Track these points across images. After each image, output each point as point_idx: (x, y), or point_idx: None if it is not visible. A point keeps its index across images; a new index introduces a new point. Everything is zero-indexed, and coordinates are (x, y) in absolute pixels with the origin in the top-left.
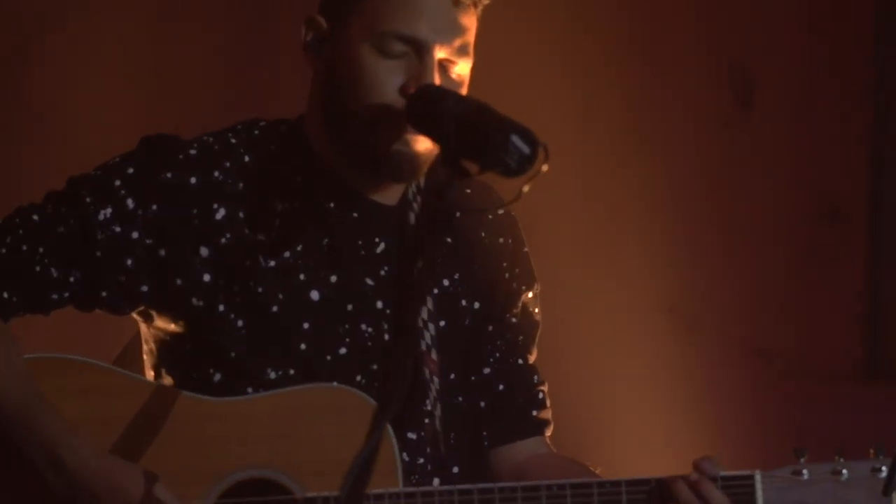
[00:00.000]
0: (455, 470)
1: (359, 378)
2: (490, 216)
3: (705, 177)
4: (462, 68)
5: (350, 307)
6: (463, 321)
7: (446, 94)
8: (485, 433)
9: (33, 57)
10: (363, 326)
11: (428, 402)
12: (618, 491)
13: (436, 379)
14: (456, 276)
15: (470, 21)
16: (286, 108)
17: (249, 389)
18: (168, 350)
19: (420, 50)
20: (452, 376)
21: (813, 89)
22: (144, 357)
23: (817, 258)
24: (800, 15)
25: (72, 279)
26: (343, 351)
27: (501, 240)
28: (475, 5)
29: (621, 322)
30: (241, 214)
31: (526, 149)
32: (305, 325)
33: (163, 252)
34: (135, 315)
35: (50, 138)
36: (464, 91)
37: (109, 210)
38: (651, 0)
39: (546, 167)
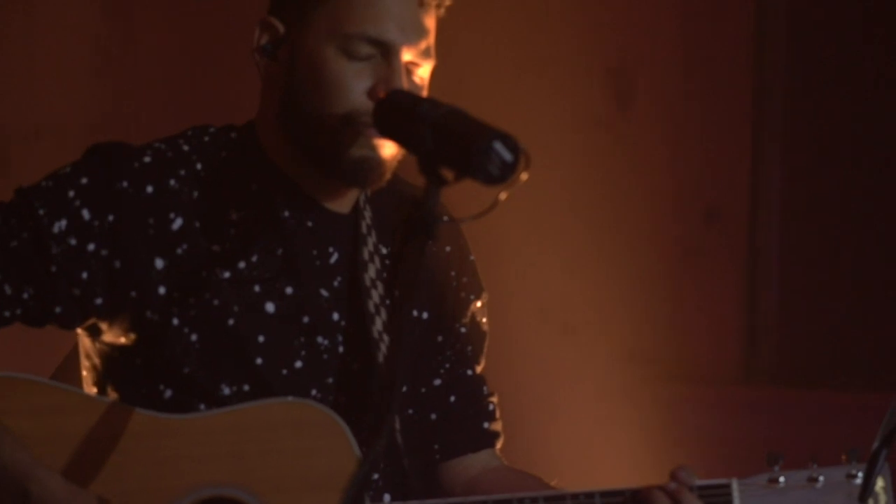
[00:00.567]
0: (406, 485)
1: (314, 392)
2: None
3: (583, 178)
4: (424, 71)
5: (306, 319)
6: (412, 332)
7: (419, 99)
8: (436, 446)
9: None
10: (319, 339)
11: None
12: (592, 503)
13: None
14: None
15: (432, 23)
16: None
17: (202, 406)
18: (115, 365)
19: (388, 52)
20: (404, 388)
21: (692, 90)
22: (84, 373)
23: (694, 259)
24: (679, 16)
25: (25, 295)
26: (299, 364)
27: (448, 248)
28: (438, 7)
29: (499, 325)
30: (196, 224)
31: (508, 156)
32: (261, 339)
33: (118, 263)
34: (79, 329)
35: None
36: (425, 94)
37: (64, 222)
38: (531, 0)
39: (526, 175)
